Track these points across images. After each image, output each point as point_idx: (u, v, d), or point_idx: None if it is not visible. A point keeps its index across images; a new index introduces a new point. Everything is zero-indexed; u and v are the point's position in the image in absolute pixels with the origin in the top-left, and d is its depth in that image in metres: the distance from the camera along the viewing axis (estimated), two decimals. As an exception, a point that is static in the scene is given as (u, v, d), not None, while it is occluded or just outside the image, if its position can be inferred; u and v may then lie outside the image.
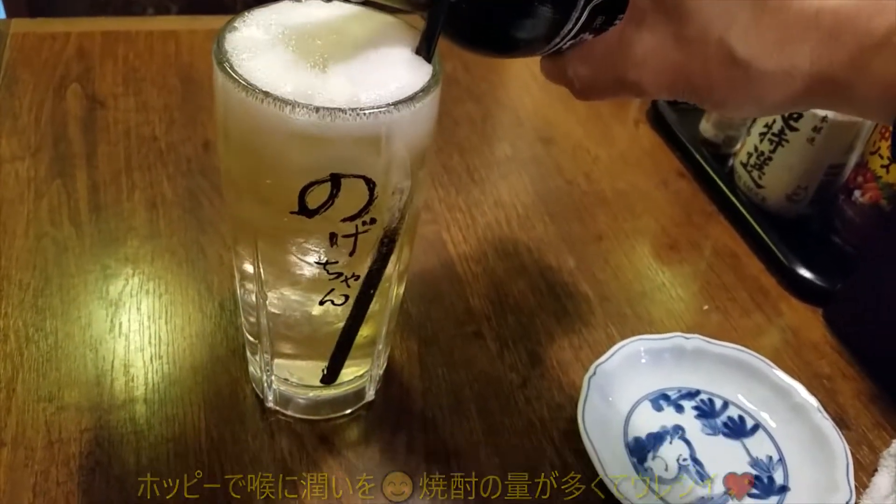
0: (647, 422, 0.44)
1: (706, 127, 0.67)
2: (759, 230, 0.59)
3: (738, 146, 0.66)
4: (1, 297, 0.46)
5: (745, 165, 0.61)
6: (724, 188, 0.62)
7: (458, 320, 0.50)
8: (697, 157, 0.66)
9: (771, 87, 0.31)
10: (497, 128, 0.68)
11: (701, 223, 0.61)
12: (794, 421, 0.44)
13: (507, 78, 0.75)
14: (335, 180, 0.31)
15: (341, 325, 0.38)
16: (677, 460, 0.42)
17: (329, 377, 0.40)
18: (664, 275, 0.56)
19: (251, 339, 0.41)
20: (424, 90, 0.32)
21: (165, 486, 0.39)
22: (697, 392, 0.46)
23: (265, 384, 0.42)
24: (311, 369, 0.42)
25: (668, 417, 0.44)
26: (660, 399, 0.45)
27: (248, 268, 0.37)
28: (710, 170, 0.64)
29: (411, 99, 0.31)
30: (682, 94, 0.33)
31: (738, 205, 0.61)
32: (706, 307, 0.53)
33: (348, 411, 0.43)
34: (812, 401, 0.45)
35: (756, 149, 0.60)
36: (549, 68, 0.38)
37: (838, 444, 0.42)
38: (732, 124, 0.65)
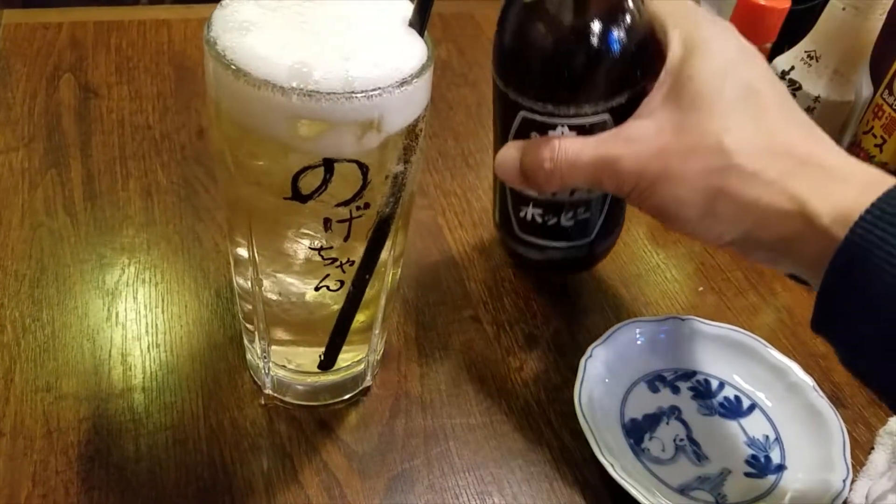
0: (644, 403, 0.44)
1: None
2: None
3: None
4: (-3, 288, 0.46)
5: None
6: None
7: (455, 304, 0.50)
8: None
9: (742, 205, 0.32)
10: (492, 112, 0.67)
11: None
12: (790, 400, 0.45)
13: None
14: (328, 165, 0.31)
15: (337, 309, 0.38)
16: (674, 441, 0.43)
17: (326, 363, 0.40)
18: (659, 256, 0.56)
19: (248, 325, 0.42)
20: (418, 72, 0.32)
21: (164, 473, 0.39)
22: (693, 373, 0.46)
23: (263, 371, 0.42)
24: (309, 355, 0.42)
25: (665, 398, 0.45)
26: (656, 380, 0.45)
27: (243, 253, 0.37)
28: (706, 152, 0.64)
29: (405, 82, 0.31)
30: (651, 179, 0.34)
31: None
32: (701, 288, 0.54)
33: (346, 397, 0.44)
34: (808, 380, 0.45)
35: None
36: (529, 147, 0.38)
37: (834, 423, 0.42)
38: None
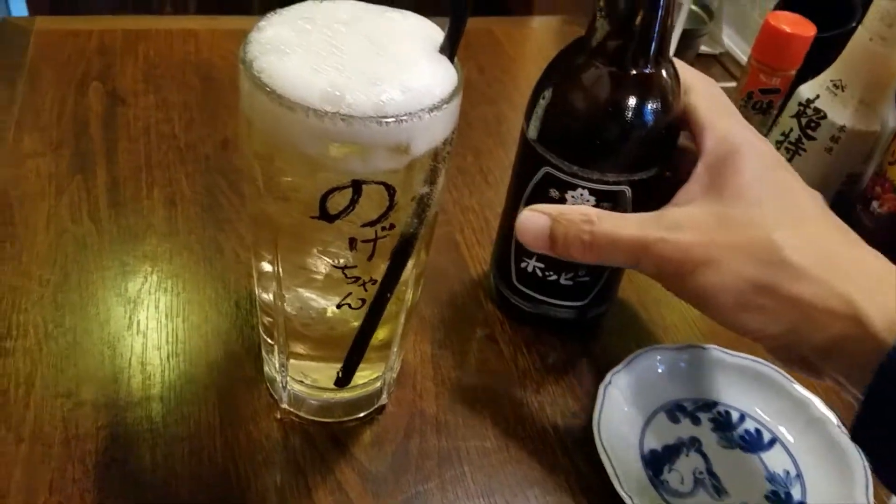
0: (664, 433, 0.44)
1: (725, 134, 0.67)
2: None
3: (757, 154, 0.66)
4: (21, 293, 0.47)
5: (763, 174, 0.61)
6: (741, 196, 0.62)
7: (472, 323, 0.50)
8: (715, 164, 0.65)
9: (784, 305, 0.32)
10: (511, 130, 0.68)
11: (718, 231, 0.61)
12: (811, 435, 0.44)
13: (520, 81, 0.75)
14: (356, 186, 0.32)
15: (357, 327, 0.38)
16: (694, 473, 0.42)
17: (343, 380, 0.40)
18: (680, 283, 0.55)
19: (267, 338, 0.42)
20: (447, 98, 0.32)
21: (179, 484, 0.39)
22: (714, 403, 0.46)
23: (280, 384, 0.42)
24: (326, 371, 0.42)
25: (685, 429, 0.44)
26: (676, 410, 0.45)
27: (267, 268, 0.37)
28: (728, 177, 0.64)
29: (435, 107, 0.31)
30: (693, 266, 0.34)
31: (755, 213, 0.60)
32: (722, 316, 0.53)
33: (361, 414, 0.43)
34: (830, 415, 0.44)
35: (775, 157, 0.59)
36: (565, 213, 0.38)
37: (857, 460, 0.42)
38: (751, 132, 0.65)
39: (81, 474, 0.39)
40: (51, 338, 0.45)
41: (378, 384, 0.43)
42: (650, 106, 0.39)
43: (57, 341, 0.44)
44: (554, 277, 0.45)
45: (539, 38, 0.82)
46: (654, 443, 0.43)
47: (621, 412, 0.43)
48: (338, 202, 0.32)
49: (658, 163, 0.41)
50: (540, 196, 0.43)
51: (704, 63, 0.81)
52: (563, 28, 0.83)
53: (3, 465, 0.38)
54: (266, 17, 0.33)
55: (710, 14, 0.80)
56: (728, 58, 0.81)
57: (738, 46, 0.80)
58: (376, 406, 0.44)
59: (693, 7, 0.78)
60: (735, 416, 0.45)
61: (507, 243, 0.47)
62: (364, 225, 0.33)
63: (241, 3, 1.13)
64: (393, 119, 0.30)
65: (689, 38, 0.76)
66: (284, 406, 0.43)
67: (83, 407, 0.41)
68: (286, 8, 0.33)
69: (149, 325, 0.46)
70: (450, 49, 0.33)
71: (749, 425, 0.45)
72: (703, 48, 0.80)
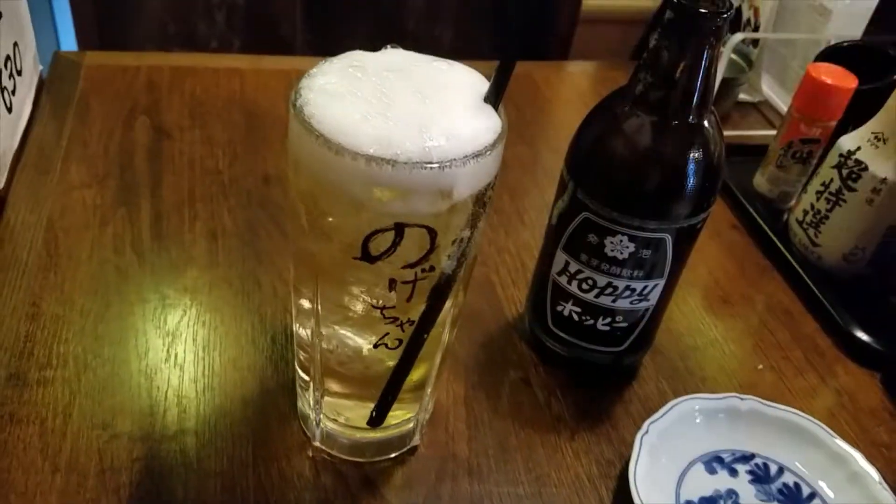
0: (701, 485, 0.43)
1: (760, 181, 0.66)
2: (815, 289, 0.58)
3: (793, 202, 0.65)
4: (63, 323, 0.47)
5: (800, 223, 0.60)
6: (778, 244, 0.61)
7: (506, 365, 0.50)
8: (751, 210, 0.65)
9: None
10: (547, 171, 0.68)
11: (754, 277, 0.60)
12: (851, 491, 0.43)
13: (556, 122, 0.76)
14: (399, 229, 0.32)
15: (393, 366, 0.39)
16: (730, 526, 0.41)
17: (377, 419, 0.40)
18: (717, 329, 0.55)
19: (303, 375, 0.42)
20: (491, 146, 0.32)
21: (212, 520, 0.39)
22: (752, 455, 0.45)
23: (313, 422, 0.42)
24: (359, 410, 0.42)
25: (722, 481, 0.43)
26: (713, 461, 0.44)
27: (306, 305, 0.38)
28: (764, 224, 0.63)
29: (478, 154, 0.32)
30: None
31: (792, 261, 0.60)
32: (760, 366, 0.52)
33: (393, 455, 0.43)
34: (871, 470, 0.43)
35: (812, 206, 0.59)
36: None
37: (899, 519, 0.40)
38: (788, 180, 0.65)
39: (115, 506, 0.39)
40: (90, 368, 0.45)
41: (411, 425, 0.43)
42: (692, 155, 0.39)
43: (95, 372, 0.45)
44: (591, 322, 0.45)
45: (575, 82, 0.82)
46: (690, 494, 0.42)
47: (658, 462, 0.42)
48: (380, 244, 0.32)
49: (700, 212, 0.41)
50: (578, 240, 0.43)
51: (743, 111, 0.81)
52: (598, 73, 0.84)
53: (39, 495, 0.39)
54: (318, 65, 0.34)
55: (750, 63, 0.80)
56: (767, 106, 0.81)
57: (777, 95, 0.80)
58: (408, 447, 0.44)
59: (733, 56, 0.78)
60: (773, 468, 0.44)
61: (544, 286, 0.47)
62: (404, 266, 0.34)
63: (284, 42, 1.16)
64: (437, 164, 0.31)
65: (728, 86, 0.76)
66: (317, 444, 0.43)
67: (119, 439, 0.42)
68: (337, 56, 0.34)
69: (186, 358, 0.47)
70: (494, 98, 0.34)
71: (788, 479, 0.44)
72: (742, 96, 0.80)
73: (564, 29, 1.06)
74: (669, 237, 0.41)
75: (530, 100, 0.77)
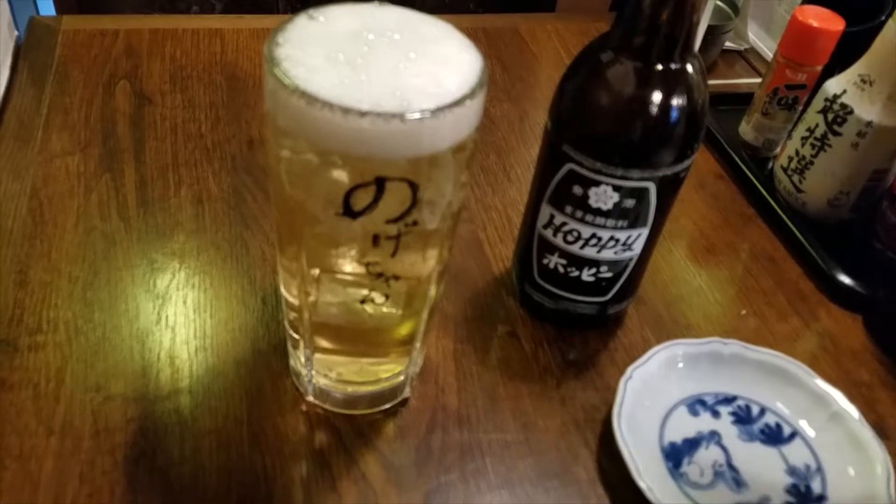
0: (684, 427, 0.44)
1: (745, 129, 0.67)
2: (799, 235, 0.58)
3: (779, 150, 0.65)
4: (52, 289, 0.48)
5: (785, 170, 0.60)
6: (763, 192, 0.62)
7: (494, 320, 0.50)
8: (736, 159, 0.65)
9: None
10: (534, 128, 0.68)
11: (739, 226, 0.61)
12: (832, 430, 0.44)
13: (543, 78, 0.75)
14: (380, 184, 0.32)
15: (380, 323, 0.39)
16: (713, 466, 0.42)
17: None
18: (701, 278, 0.55)
19: (293, 333, 0.42)
20: (471, 94, 0.32)
21: (207, 477, 0.40)
22: (734, 398, 0.46)
23: (305, 378, 0.43)
24: (350, 366, 0.43)
25: (705, 423, 0.44)
26: (696, 404, 0.45)
27: (292, 264, 0.38)
28: (749, 173, 0.64)
29: (458, 103, 0.31)
30: None
31: (777, 209, 0.60)
32: (744, 312, 0.53)
33: (385, 407, 0.44)
34: (852, 409, 0.44)
35: (797, 153, 0.59)
36: None
37: (879, 455, 0.42)
38: (773, 127, 0.65)
39: (111, 466, 0.40)
40: (80, 333, 0.46)
41: (401, 378, 0.44)
42: (676, 102, 0.39)
43: (87, 336, 0.46)
44: (576, 274, 0.46)
45: (562, 36, 0.82)
46: (673, 436, 0.43)
47: (641, 406, 0.43)
48: (361, 199, 0.33)
49: (683, 159, 0.41)
50: (563, 193, 0.43)
51: (729, 59, 0.81)
52: (585, 26, 0.83)
53: (34, 458, 0.39)
54: (294, 18, 0.33)
55: (736, 9, 0.79)
56: (753, 54, 0.81)
57: (763, 42, 0.80)
58: (399, 399, 0.45)
59: (718, 2, 0.77)
60: (755, 409, 0.45)
61: (530, 240, 0.47)
62: (387, 221, 0.34)
63: (266, 3, 1.14)
64: (415, 115, 0.30)
65: (713, 33, 0.75)
66: (310, 399, 0.44)
67: (113, 401, 0.42)
68: (316, 9, 0.34)
69: (177, 321, 0.47)
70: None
71: (769, 419, 0.45)
72: (728, 44, 0.80)
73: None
74: (653, 185, 0.41)
75: (516, 56, 0.77)
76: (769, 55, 0.78)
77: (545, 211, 0.45)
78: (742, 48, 0.81)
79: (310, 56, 0.31)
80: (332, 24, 0.33)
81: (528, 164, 0.64)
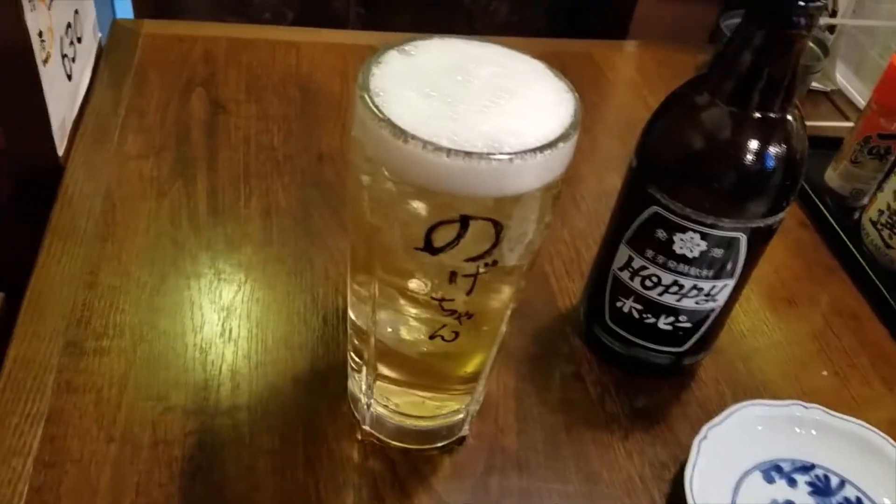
0: (757, 493, 0.41)
1: (832, 176, 0.64)
2: (886, 293, 0.55)
3: (867, 201, 0.62)
4: (120, 293, 0.48)
5: (874, 223, 0.57)
6: (848, 243, 0.59)
7: (558, 359, 0.49)
8: (821, 207, 0.62)
9: None
10: (605, 158, 0.66)
11: (821, 277, 0.58)
12: (918, 510, 0.41)
13: (619, 106, 0.74)
14: (464, 221, 0.31)
15: (447, 359, 0.38)
16: (787, 538, 0.40)
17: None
18: (780, 331, 0.53)
19: (355, 357, 0.42)
20: (563, 137, 0.31)
21: (261, 498, 0.39)
22: (813, 466, 0.43)
23: (363, 405, 0.42)
24: (408, 397, 0.41)
25: (780, 491, 0.42)
26: (772, 470, 0.42)
27: (363, 291, 0.37)
28: (835, 222, 0.61)
29: (548, 146, 0.30)
30: None
31: (862, 262, 0.57)
32: (825, 372, 0.50)
33: (440, 444, 0.43)
34: (941, 490, 0.41)
35: (889, 206, 0.56)
36: None
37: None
38: (862, 177, 0.62)
39: (167, 479, 0.39)
40: (145, 340, 0.46)
41: (461, 415, 0.43)
42: (774, 151, 0.37)
43: (151, 344, 0.45)
44: (652, 321, 0.44)
45: (638, 64, 0.80)
46: (746, 502, 0.41)
47: (715, 468, 0.41)
48: (443, 236, 0.32)
49: (777, 212, 0.39)
50: (645, 235, 0.41)
51: (814, 100, 0.78)
52: (663, 55, 0.81)
53: (94, 464, 0.39)
54: (387, 50, 0.33)
55: (826, 49, 0.76)
56: (839, 96, 0.78)
57: (851, 85, 0.76)
58: (456, 437, 0.43)
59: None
60: (835, 481, 0.43)
61: (603, 280, 0.45)
62: (467, 260, 0.33)
63: (337, 15, 1.15)
64: (506, 157, 0.29)
65: (801, 73, 0.72)
66: (366, 427, 0.43)
67: (172, 411, 0.42)
68: (408, 42, 0.33)
69: (240, 334, 0.47)
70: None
71: (849, 492, 0.42)
72: (815, 84, 0.77)
73: (623, 4, 1.03)
74: (744, 236, 0.39)
75: (590, 82, 0.75)
76: (858, 99, 0.75)
77: (623, 252, 0.43)
78: (828, 89, 0.78)
79: (402, 89, 0.31)
80: (426, 58, 0.33)
81: (600, 195, 0.62)
